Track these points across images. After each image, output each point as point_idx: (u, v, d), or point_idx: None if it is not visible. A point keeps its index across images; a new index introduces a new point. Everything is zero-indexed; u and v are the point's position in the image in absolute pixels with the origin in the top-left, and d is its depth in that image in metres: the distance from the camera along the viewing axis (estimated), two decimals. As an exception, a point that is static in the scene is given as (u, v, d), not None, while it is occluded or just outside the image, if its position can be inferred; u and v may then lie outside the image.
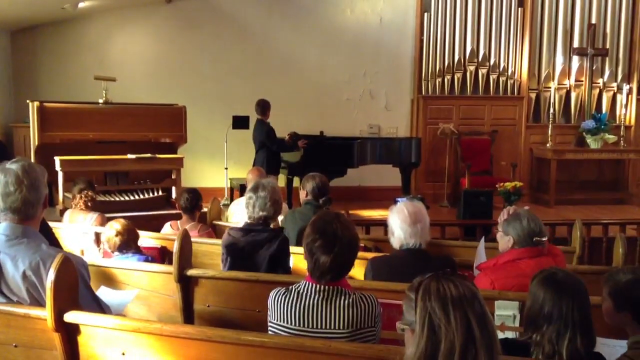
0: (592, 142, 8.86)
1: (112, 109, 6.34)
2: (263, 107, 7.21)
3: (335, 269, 2.07)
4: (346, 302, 2.04)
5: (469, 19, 9.01)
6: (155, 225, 4.73)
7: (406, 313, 1.46)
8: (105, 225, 3.65)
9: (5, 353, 2.11)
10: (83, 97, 7.00)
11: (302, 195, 3.98)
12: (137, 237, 3.60)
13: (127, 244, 3.47)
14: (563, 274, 2.03)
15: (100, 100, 6.40)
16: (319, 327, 2.04)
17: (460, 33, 9.00)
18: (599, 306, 2.21)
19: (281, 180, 7.87)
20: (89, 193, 4.34)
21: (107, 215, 4.35)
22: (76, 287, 2.06)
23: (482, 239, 3.13)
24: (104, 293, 2.71)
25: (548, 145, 8.85)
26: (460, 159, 8.83)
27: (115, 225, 3.50)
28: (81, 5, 7.65)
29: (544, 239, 2.74)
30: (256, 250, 3.05)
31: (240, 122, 7.72)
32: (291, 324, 2.07)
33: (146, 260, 3.42)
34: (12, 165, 2.11)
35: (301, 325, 2.05)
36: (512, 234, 2.77)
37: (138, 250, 3.55)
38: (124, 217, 5.38)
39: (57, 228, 3.65)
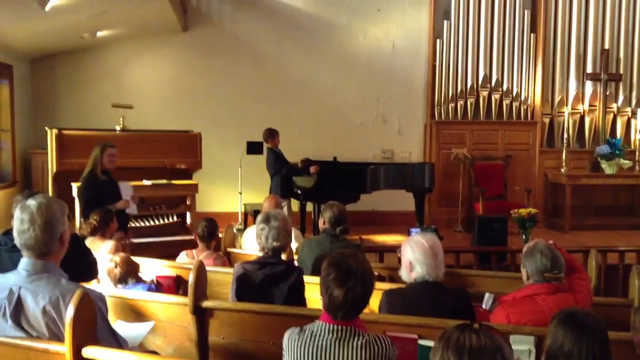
0: (607, 167, 8.80)
1: (129, 135, 6.45)
2: (269, 134, 7.35)
3: (348, 303, 2.07)
4: (360, 342, 2.04)
5: (481, 44, 9.05)
6: (170, 251, 4.79)
7: (431, 358, 1.49)
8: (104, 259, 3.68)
9: (25, 387, 2.13)
10: (101, 124, 7.13)
11: (321, 223, 4.02)
12: (136, 268, 3.64)
13: (127, 275, 3.52)
14: (582, 314, 2.02)
15: (118, 127, 6.51)
16: (333, 367, 2.03)
17: (472, 59, 9.05)
18: (616, 342, 2.19)
19: (294, 205, 7.90)
20: (91, 220, 4.36)
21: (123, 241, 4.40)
22: (94, 322, 2.09)
23: (487, 294, 3.11)
24: (120, 326, 2.73)
25: (562, 170, 8.80)
26: (474, 183, 8.80)
27: (114, 258, 3.56)
28: (99, 34, 7.83)
29: (559, 275, 2.72)
30: (273, 284, 3.07)
31: (254, 148, 7.78)
32: (305, 363, 2.07)
33: (150, 290, 3.46)
34: (31, 202, 2.15)
35: (315, 365, 2.05)
36: (527, 268, 2.78)
37: (139, 281, 3.59)
38: (140, 243, 5.47)
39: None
